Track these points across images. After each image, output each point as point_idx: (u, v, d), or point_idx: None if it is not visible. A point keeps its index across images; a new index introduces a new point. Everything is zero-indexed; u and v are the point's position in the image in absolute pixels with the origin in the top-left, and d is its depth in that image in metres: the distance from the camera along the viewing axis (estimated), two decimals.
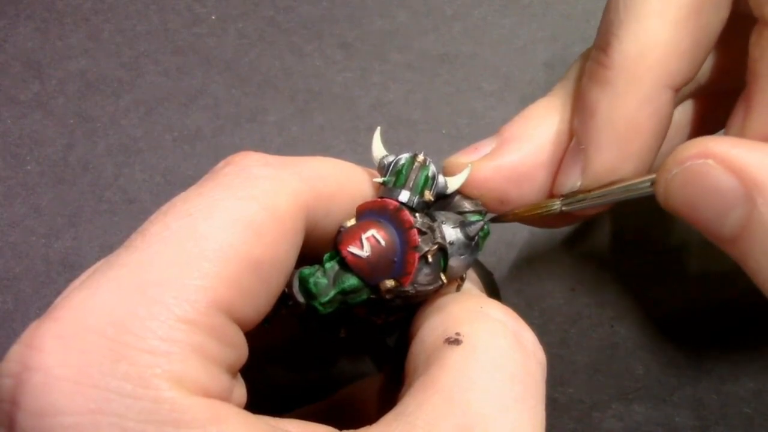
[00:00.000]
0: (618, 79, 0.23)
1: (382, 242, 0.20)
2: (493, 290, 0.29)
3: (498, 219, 0.27)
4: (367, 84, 0.44)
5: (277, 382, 0.33)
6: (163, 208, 0.17)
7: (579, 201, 0.26)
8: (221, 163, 0.19)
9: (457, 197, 0.24)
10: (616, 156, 0.24)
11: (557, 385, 0.37)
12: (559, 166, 0.26)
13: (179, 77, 0.44)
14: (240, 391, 0.18)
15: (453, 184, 0.23)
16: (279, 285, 0.18)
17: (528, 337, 0.20)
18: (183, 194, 0.18)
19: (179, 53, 0.45)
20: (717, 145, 0.21)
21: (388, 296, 0.20)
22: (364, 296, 0.20)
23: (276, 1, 0.46)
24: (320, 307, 0.19)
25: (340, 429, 0.18)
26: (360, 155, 0.41)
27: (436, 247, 0.20)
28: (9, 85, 0.44)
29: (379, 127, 0.24)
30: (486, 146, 0.26)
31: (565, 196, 0.26)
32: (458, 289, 0.23)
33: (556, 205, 0.26)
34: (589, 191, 0.26)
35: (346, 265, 0.19)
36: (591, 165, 0.24)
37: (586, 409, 0.37)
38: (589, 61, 0.25)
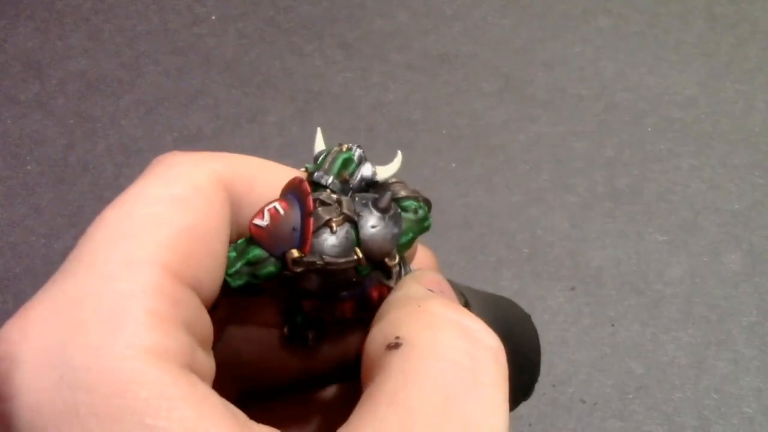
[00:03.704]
0: None
1: (281, 212, 0.21)
2: (505, 323, 0.27)
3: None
4: (367, 84, 0.44)
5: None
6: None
7: None
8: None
9: (395, 185, 0.25)
10: None
11: (557, 385, 0.37)
12: None
13: (179, 77, 0.44)
14: (206, 360, 0.19)
15: (383, 172, 0.24)
16: (218, 251, 0.20)
17: (472, 324, 0.20)
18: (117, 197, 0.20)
19: (179, 53, 0.45)
20: None
21: (297, 269, 0.21)
22: (272, 268, 0.21)
23: (276, 1, 0.46)
24: (229, 279, 0.21)
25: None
26: None
27: (341, 217, 0.21)
28: (9, 85, 0.44)
29: (319, 128, 0.25)
30: None
31: None
32: (395, 275, 0.23)
33: None
34: None
35: (252, 239, 0.21)
36: None
37: (586, 409, 0.37)
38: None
